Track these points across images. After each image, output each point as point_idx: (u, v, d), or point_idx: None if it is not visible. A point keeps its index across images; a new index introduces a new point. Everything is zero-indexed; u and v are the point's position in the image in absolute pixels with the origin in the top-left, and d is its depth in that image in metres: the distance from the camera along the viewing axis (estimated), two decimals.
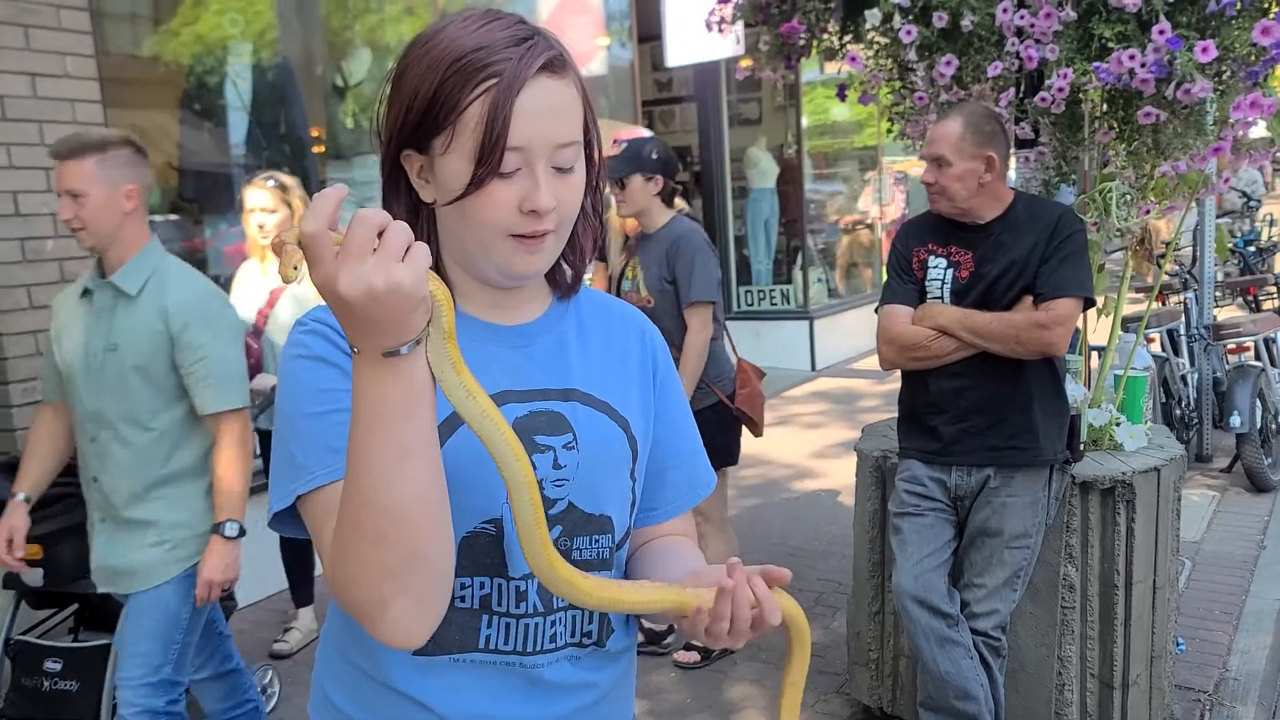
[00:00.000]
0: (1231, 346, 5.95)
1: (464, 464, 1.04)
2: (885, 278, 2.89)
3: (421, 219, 1.10)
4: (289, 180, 3.79)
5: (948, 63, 2.85)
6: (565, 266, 1.19)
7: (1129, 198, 2.93)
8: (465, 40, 1.02)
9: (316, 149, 5.59)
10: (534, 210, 1.03)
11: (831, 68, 3.78)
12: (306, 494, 1.01)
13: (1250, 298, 9.41)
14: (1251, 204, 11.16)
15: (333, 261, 0.83)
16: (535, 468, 1.06)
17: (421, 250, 0.85)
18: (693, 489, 1.29)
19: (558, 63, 1.05)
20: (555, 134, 1.04)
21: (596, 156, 1.13)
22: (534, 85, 1.02)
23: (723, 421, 3.69)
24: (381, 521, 0.91)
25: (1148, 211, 3.03)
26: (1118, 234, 2.95)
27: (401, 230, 0.85)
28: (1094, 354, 3.56)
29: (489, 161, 1.01)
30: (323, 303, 0.93)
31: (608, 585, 1.00)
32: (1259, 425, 5.33)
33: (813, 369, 9.16)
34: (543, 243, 1.07)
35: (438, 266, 1.12)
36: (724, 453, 3.71)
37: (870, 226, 10.70)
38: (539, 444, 1.10)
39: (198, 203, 5.10)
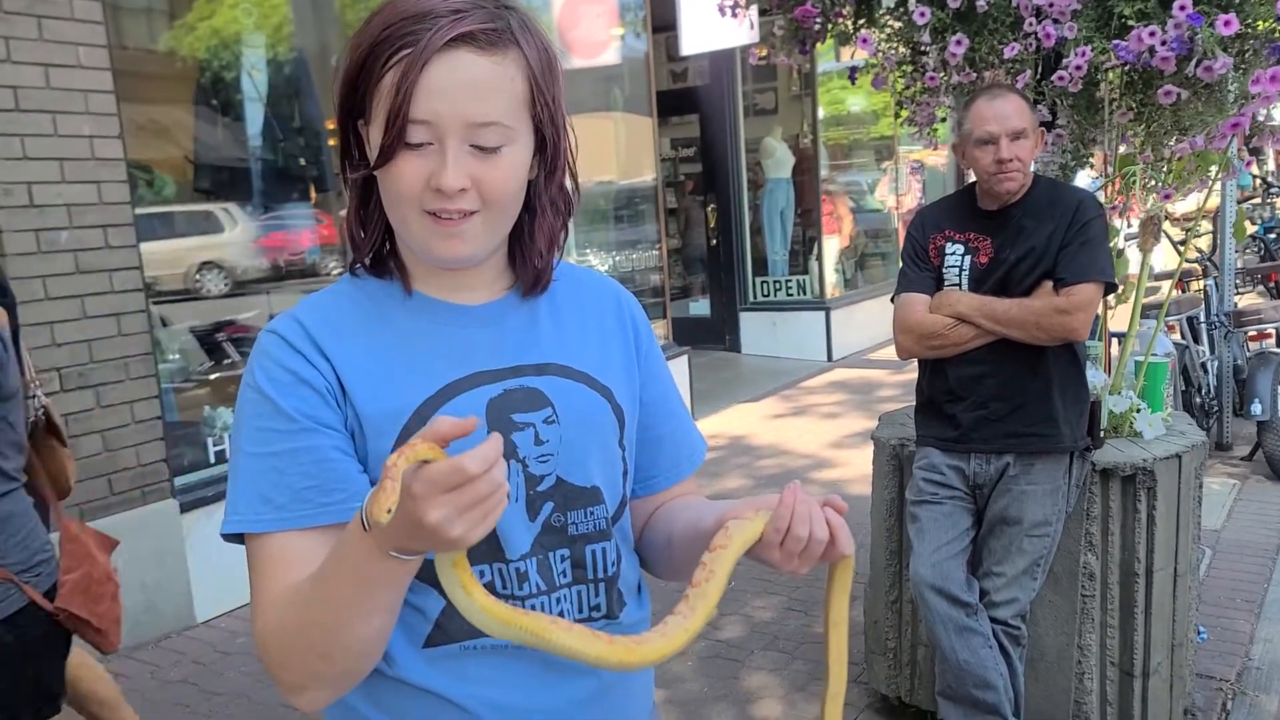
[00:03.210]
0: (1252, 333, 5.90)
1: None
2: (901, 266, 2.86)
3: (375, 189, 1.08)
4: None
5: (958, 42, 2.82)
6: (527, 261, 1.13)
7: (1152, 181, 2.89)
8: (404, 8, 0.99)
9: (332, 142, 5.60)
10: (439, 188, 1.00)
11: (847, 54, 3.74)
12: (240, 532, 1.05)
13: (1271, 284, 9.32)
14: (1272, 190, 11.05)
15: (438, 497, 0.85)
16: (516, 447, 1.07)
17: (500, 511, 0.87)
18: (692, 452, 1.28)
19: (487, 37, 0.99)
20: (469, 111, 0.99)
21: (562, 146, 1.09)
22: (448, 58, 0.97)
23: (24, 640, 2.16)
24: (332, 648, 0.97)
25: (1168, 196, 2.99)
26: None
27: (501, 500, 0.87)
28: (1114, 340, 3.52)
29: (391, 132, 0.98)
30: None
31: (691, 614, 0.98)
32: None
33: (829, 359, 9.13)
34: (462, 224, 1.02)
35: (393, 247, 1.13)
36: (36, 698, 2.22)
37: (887, 216, 10.64)
38: (517, 422, 1.08)
39: (214, 195, 5.11)
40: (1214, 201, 5.70)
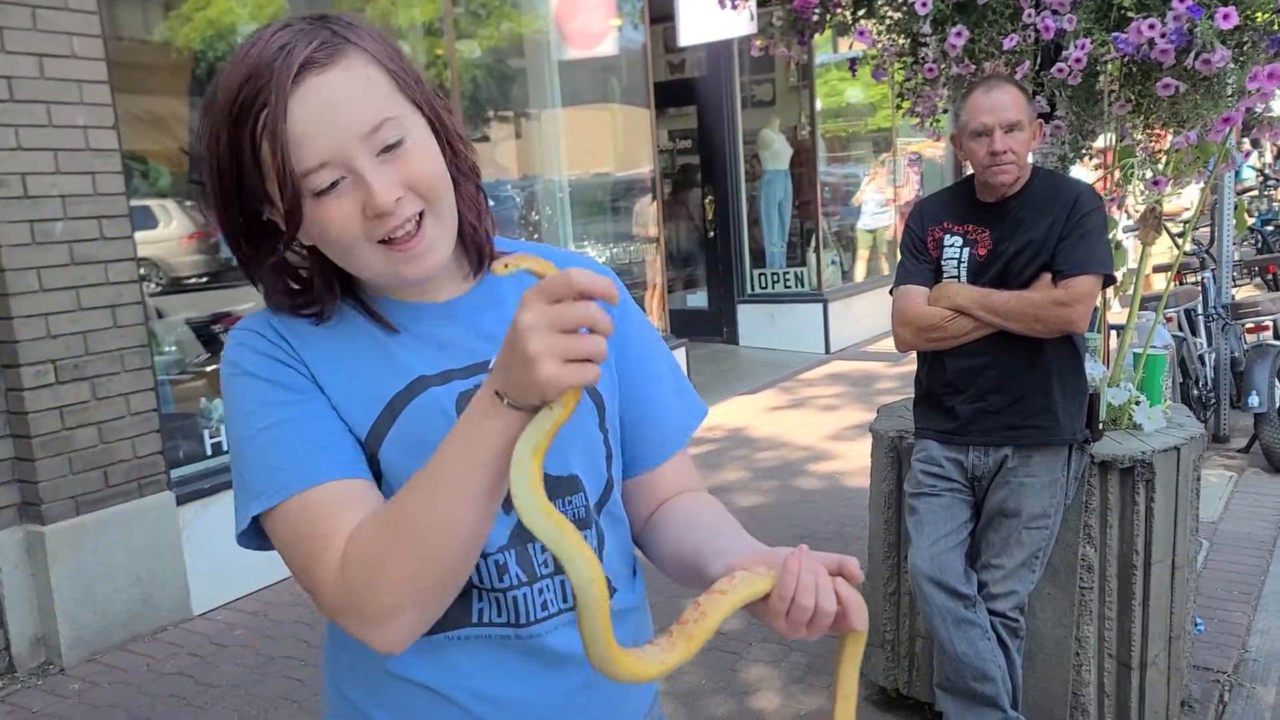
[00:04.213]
0: (1250, 326, 5.89)
1: (428, 441, 1.02)
2: (899, 259, 2.85)
3: (315, 259, 1.05)
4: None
5: (958, 33, 2.81)
6: (464, 237, 1.10)
7: (1148, 173, 2.88)
8: (234, 80, 0.95)
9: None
10: (377, 213, 0.96)
11: (847, 45, 3.73)
12: (266, 512, 1.00)
13: (1269, 276, 9.33)
14: (1269, 183, 11.06)
15: (538, 302, 0.84)
16: None
17: (603, 357, 0.85)
18: (681, 424, 1.23)
19: (324, 53, 0.95)
20: (353, 124, 0.95)
21: (442, 118, 1.05)
22: (301, 93, 0.93)
23: None
24: (435, 543, 0.92)
25: (1158, 183, 2.98)
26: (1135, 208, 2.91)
27: (595, 347, 0.84)
28: (1113, 333, 3.52)
29: (286, 193, 0.94)
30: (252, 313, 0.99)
31: (671, 650, 0.93)
32: (1277, 405, 5.28)
33: (826, 352, 9.12)
34: (419, 241, 1.00)
35: (353, 280, 1.08)
36: None
37: (884, 208, 10.64)
38: None
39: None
40: (1184, 202, 5.71)
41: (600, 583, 0.87)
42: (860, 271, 10.23)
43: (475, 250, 1.12)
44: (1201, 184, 3.13)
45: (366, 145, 0.96)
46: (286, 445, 1.00)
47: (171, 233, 5.07)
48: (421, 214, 1.00)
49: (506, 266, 0.88)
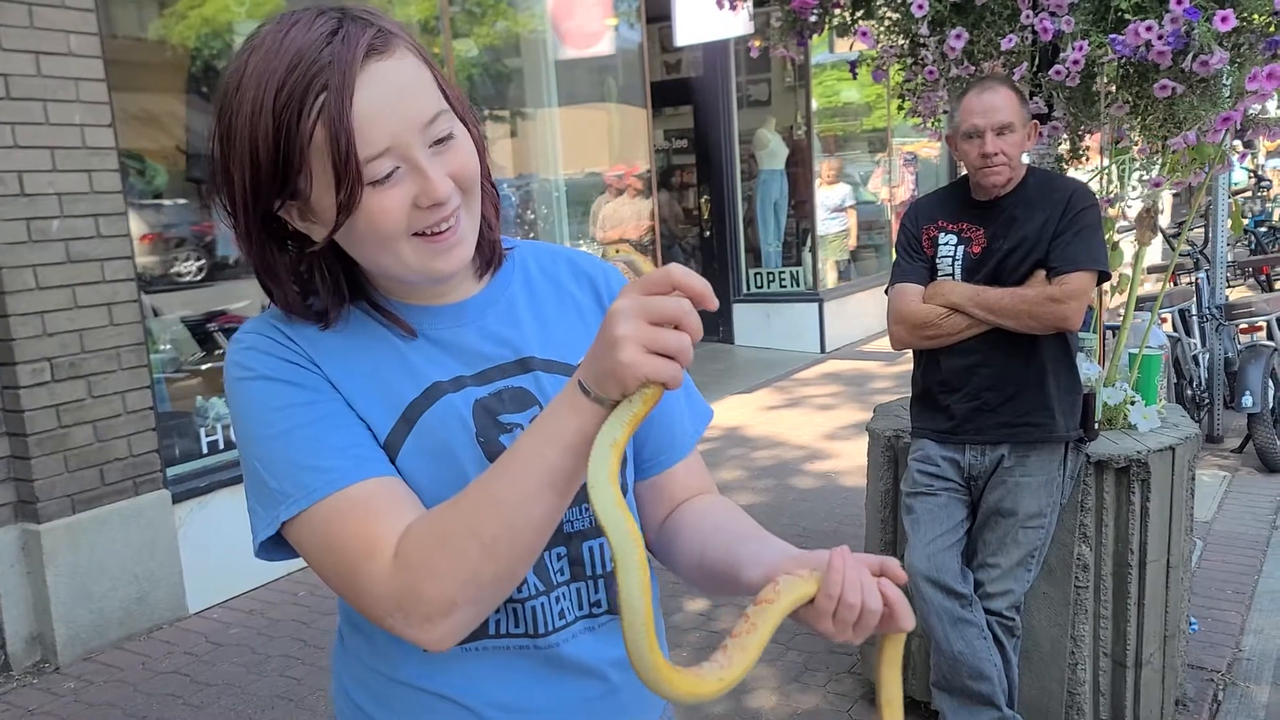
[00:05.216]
0: (1244, 326, 5.91)
1: (446, 450, 1.01)
2: (894, 258, 2.86)
3: (320, 260, 1.02)
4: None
5: (958, 35, 2.82)
6: (481, 236, 1.08)
7: (1142, 173, 2.89)
8: (276, 64, 0.90)
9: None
10: (433, 203, 0.95)
11: (842, 46, 3.74)
12: (294, 519, 0.97)
13: (1263, 277, 9.37)
14: (1263, 184, 11.09)
15: (635, 294, 0.84)
16: (505, 447, 1.02)
17: (684, 356, 0.84)
18: (690, 425, 1.22)
19: (380, 40, 0.92)
20: (414, 115, 0.93)
21: (469, 115, 1.03)
22: (367, 79, 0.90)
23: None
24: (503, 533, 0.90)
25: (1158, 184, 3.00)
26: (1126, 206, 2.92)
27: (684, 345, 0.84)
28: (1108, 333, 3.53)
29: (347, 181, 0.91)
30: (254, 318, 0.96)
31: (728, 665, 0.91)
32: (1271, 405, 5.30)
33: (822, 351, 9.13)
34: (454, 234, 0.98)
35: (363, 282, 1.07)
36: None
37: (880, 208, 10.65)
38: (505, 423, 1.05)
39: (206, 185, 5.09)
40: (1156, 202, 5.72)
41: (648, 593, 0.85)
42: (831, 279, 9.79)
43: (488, 247, 1.11)
44: (1198, 185, 3.13)
45: (423, 136, 0.94)
46: (312, 447, 0.97)
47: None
48: (458, 211, 0.99)
49: (618, 252, 0.89)
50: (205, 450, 4.62)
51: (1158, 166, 2.98)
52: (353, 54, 0.90)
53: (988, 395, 2.69)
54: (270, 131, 0.91)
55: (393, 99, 0.92)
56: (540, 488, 0.90)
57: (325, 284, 1.04)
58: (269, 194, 0.95)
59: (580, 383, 0.88)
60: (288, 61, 0.90)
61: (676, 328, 0.84)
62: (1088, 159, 3.17)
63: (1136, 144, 2.95)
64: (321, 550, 0.97)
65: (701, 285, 0.84)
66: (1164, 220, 6.59)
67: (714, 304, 0.86)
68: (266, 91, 0.90)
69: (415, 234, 0.97)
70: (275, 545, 1.01)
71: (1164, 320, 5.71)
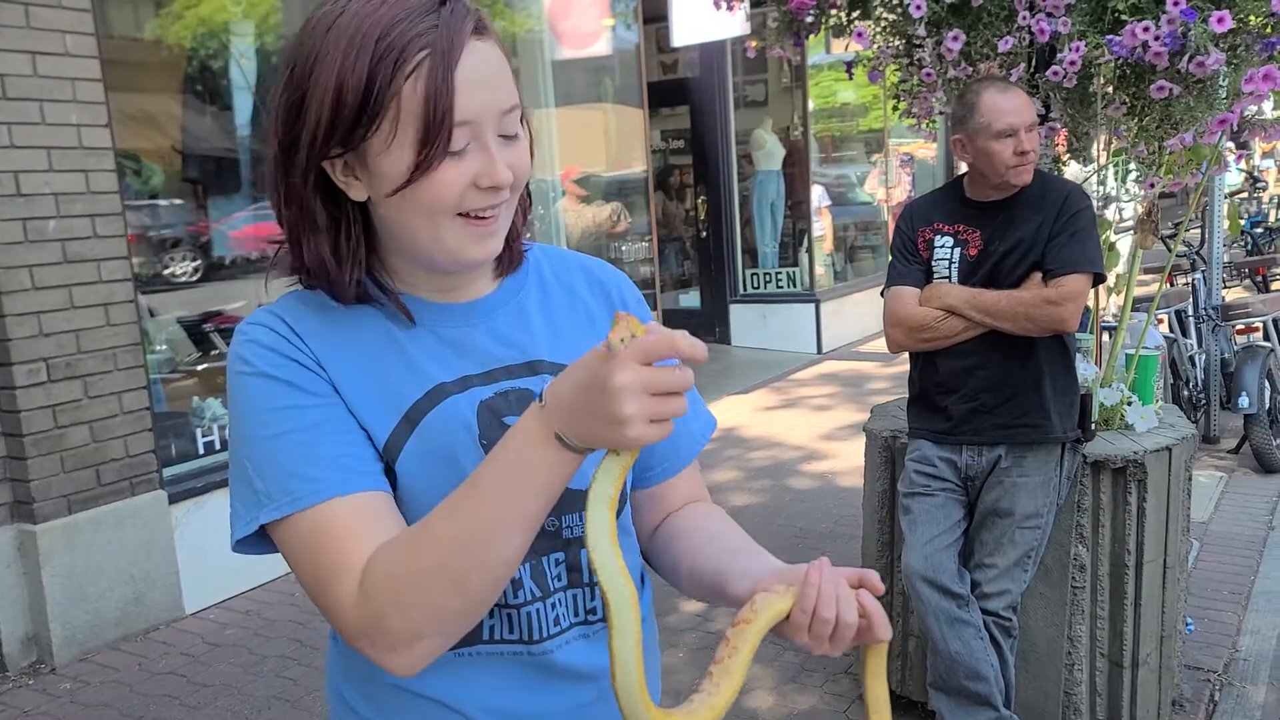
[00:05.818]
0: (1240, 327, 5.92)
1: (449, 453, 1.00)
2: (890, 260, 2.85)
3: (346, 222, 1.02)
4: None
5: (955, 38, 2.82)
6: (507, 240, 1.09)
7: (1136, 174, 2.90)
8: (379, 15, 0.92)
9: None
10: (493, 185, 0.96)
11: (839, 47, 3.74)
12: (276, 522, 0.97)
13: (1259, 278, 9.38)
14: (1258, 185, 11.11)
15: (635, 363, 0.82)
16: None
17: (677, 412, 0.85)
18: (691, 437, 1.21)
19: (483, 24, 0.96)
20: (499, 100, 0.96)
21: (527, 119, 1.05)
22: (470, 52, 0.93)
23: None
24: (470, 571, 0.91)
25: (1153, 185, 3.00)
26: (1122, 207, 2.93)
27: (679, 408, 0.85)
28: (1105, 333, 3.54)
29: (436, 142, 0.92)
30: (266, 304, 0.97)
31: (715, 693, 0.92)
32: (1267, 406, 5.31)
33: (819, 351, 9.14)
34: (495, 222, 1.00)
35: (376, 261, 1.06)
36: None
37: (876, 208, 10.65)
38: (508, 425, 1.03)
39: (202, 185, 5.08)
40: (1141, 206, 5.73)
41: (640, 652, 0.87)
42: (827, 280, 9.73)
43: (508, 246, 1.10)
44: (1194, 187, 3.14)
45: (498, 123, 0.96)
46: (303, 453, 0.97)
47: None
48: (499, 210, 1.00)
49: (622, 341, 0.84)
50: (201, 451, 4.62)
51: (1154, 168, 2.98)
52: (462, 25, 0.93)
53: (985, 397, 2.69)
54: (365, 76, 0.92)
55: (486, 77, 0.95)
56: (511, 528, 0.90)
57: (350, 243, 1.03)
58: (340, 138, 0.95)
59: (560, 436, 0.87)
60: (394, 14, 0.92)
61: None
62: (1085, 162, 3.17)
63: (1134, 143, 2.95)
64: (296, 561, 0.98)
65: (702, 352, 0.84)
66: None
67: (705, 359, 0.86)
68: (368, 36, 0.92)
69: (460, 214, 0.98)
70: (254, 541, 1.01)
71: (1160, 321, 5.72)
